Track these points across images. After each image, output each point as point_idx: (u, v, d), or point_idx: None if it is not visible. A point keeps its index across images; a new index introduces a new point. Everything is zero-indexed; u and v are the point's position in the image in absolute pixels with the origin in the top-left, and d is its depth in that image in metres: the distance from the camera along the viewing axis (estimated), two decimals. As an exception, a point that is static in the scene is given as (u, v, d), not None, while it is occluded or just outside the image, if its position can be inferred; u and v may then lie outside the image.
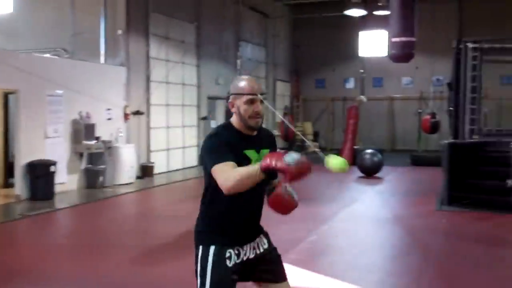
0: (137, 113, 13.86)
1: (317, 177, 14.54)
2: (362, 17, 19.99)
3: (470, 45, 10.68)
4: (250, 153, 2.83)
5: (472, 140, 10.75)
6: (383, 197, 11.41)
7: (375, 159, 14.07)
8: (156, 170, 14.39)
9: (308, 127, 23.00)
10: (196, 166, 16.53)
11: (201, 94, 17.07)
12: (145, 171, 13.93)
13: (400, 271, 6.18)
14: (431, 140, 19.91)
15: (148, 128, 14.47)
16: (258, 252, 2.95)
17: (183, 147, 16.19)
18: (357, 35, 23.43)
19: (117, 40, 13.23)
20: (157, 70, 14.74)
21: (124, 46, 13.38)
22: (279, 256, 3.05)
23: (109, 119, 12.79)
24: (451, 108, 11.27)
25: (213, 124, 17.69)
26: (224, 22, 18.48)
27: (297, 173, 2.53)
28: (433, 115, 16.81)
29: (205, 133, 17.24)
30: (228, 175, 2.63)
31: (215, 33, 17.87)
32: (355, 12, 19.33)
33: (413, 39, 7.92)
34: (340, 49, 23.45)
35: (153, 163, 14.33)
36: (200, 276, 2.86)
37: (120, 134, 13.02)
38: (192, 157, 16.57)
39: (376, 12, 19.35)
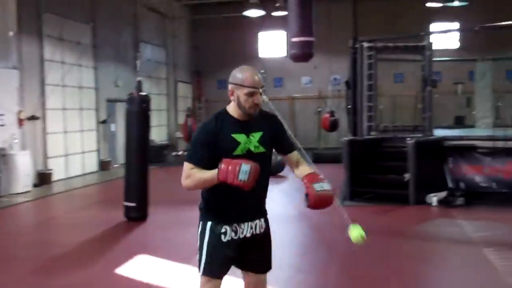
0: (32, 118, 13.22)
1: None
2: (261, 17, 20.19)
3: (365, 44, 11.04)
4: (239, 136, 3.03)
5: (370, 137, 11.12)
6: (287, 194, 11.58)
7: (278, 158, 14.19)
8: (54, 177, 13.80)
9: (211, 128, 22.90)
10: (96, 171, 16.03)
11: (100, 97, 16.57)
12: (43, 178, 13.32)
13: (308, 267, 6.28)
14: (331, 138, 20.47)
15: (45, 133, 13.85)
16: (254, 232, 3.12)
17: (83, 152, 15.64)
18: (257, 35, 23.72)
19: (9, 42, 12.55)
20: (53, 73, 14.13)
21: (16, 48, 12.72)
22: (269, 246, 3.23)
23: (2, 125, 12.13)
24: (349, 106, 11.61)
25: (113, 128, 17.24)
26: (122, 23, 18.05)
27: (250, 184, 2.80)
28: (332, 113, 17.25)
29: (105, 137, 16.77)
30: (188, 174, 3.01)
31: (113, 34, 17.41)
32: (254, 13, 19.51)
33: (312, 39, 8.08)
34: (240, 50, 23.55)
35: (51, 170, 13.73)
36: (199, 250, 3.12)
37: (15, 141, 12.37)
38: (92, 162, 16.05)
39: (274, 13, 19.63)
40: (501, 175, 9.96)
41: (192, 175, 3.01)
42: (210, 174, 2.93)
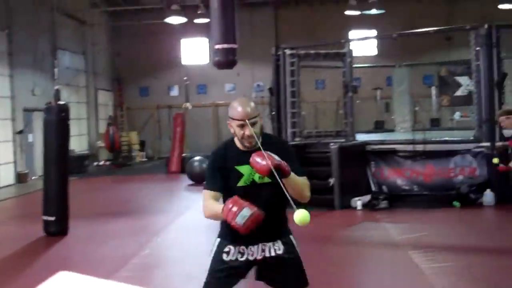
0: None
1: (146, 187, 14.19)
2: (183, 24, 20.00)
3: (287, 51, 11.11)
4: (243, 168, 3.09)
5: (294, 143, 11.18)
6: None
7: (204, 165, 14.08)
8: (-33, 192, 13.08)
9: (134, 136, 22.50)
10: (13, 184, 15.32)
11: (16, 106, 15.87)
12: (-46, 193, 12.59)
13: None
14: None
15: (-44, 146, 13.11)
16: (267, 255, 3.17)
17: (-2, 165, 14.92)
18: (179, 42, 23.50)
19: None
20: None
21: None
22: (295, 263, 3.23)
23: None
24: (273, 113, 11.64)
25: (31, 138, 16.55)
26: (39, 30, 17.38)
27: (246, 229, 2.81)
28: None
29: (22, 148, 16.06)
30: (205, 205, 3.12)
31: (29, 41, 16.73)
32: (176, 20, 19.28)
33: (235, 46, 8.02)
34: (162, 57, 23.28)
35: (-37, 184, 13.00)
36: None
37: None
38: (8, 175, 15.32)
39: (196, 20, 19.50)
40: (422, 178, 10.25)
41: (207, 206, 3.11)
42: (219, 210, 2.97)
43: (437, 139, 10.54)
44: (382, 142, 10.89)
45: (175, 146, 16.99)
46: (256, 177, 3.09)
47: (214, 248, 3.27)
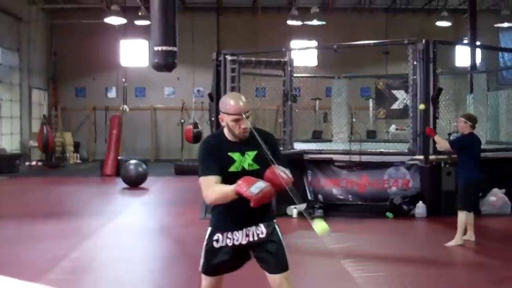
0: None
1: (79, 189, 13.81)
2: (123, 25, 19.66)
3: (229, 57, 11.05)
4: (234, 154, 3.36)
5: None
6: (148, 208, 11.24)
7: (140, 169, 13.86)
8: None
9: (68, 137, 21.88)
10: None
11: None
12: None
13: (169, 284, 6.05)
14: (194, 150, 20.34)
15: None
16: (251, 239, 3.41)
17: None
18: (118, 43, 23.07)
19: None
20: None
21: None
22: (276, 248, 3.42)
23: None
24: (212, 118, 11.55)
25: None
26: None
27: (259, 201, 3.09)
28: (195, 125, 17.17)
29: None
30: (208, 192, 3.31)
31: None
32: (115, 20, 18.93)
33: (175, 48, 7.92)
34: (101, 58, 22.76)
35: None
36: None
37: None
38: None
39: (137, 22, 19.22)
40: (356, 188, 10.38)
41: (213, 187, 3.30)
42: (230, 188, 3.21)
43: (373, 150, 10.71)
44: (319, 152, 10.97)
45: (110, 149, 16.63)
46: (246, 164, 3.37)
47: (206, 237, 3.49)
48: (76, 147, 22.30)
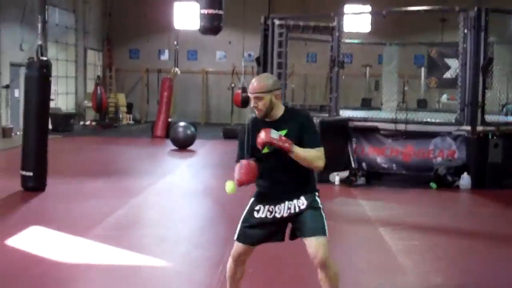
0: None
1: (130, 150, 14.17)
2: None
3: (276, 21, 11.06)
4: None
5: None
6: (195, 169, 11.51)
7: (188, 132, 14.12)
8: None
9: (122, 98, 22.38)
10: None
11: (3, 60, 15.74)
12: None
13: (207, 242, 6.25)
14: (244, 114, 20.50)
15: None
16: (292, 211, 3.51)
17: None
18: (172, 6, 23.24)
19: None
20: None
21: None
22: (313, 214, 3.49)
23: None
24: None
25: (17, 93, 16.45)
26: (29, -16, 17.13)
27: (240, 181, 3.41)
28: (244, 89, 17.24)
29: (7, 102, 15.98)
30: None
31: (18, -5, 16.52)
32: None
33: (220, 12, 7.99)
34: (155, 20, 22.98)
35: None
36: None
37: None
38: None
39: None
40: (401, 157, 10.33)
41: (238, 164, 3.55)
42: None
43: (419, 120, 10.59)
44: (365, 119, 10.93)
45: (161, 111, 16.96)
46: None
47: (247, 207, 3.63)
48: (129, 108, 22.79)
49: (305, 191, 3.54)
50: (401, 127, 10.32)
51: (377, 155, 10.51)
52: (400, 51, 16.90)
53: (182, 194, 8.93)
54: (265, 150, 3.41)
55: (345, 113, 11.70)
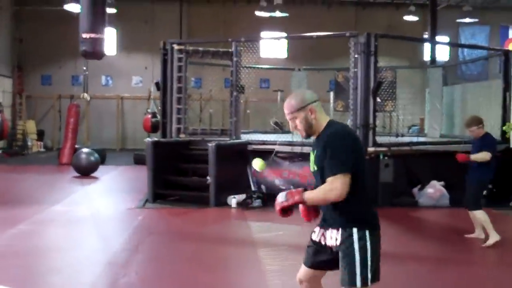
0: None
1: (29, 178, 13.65)
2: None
3: (175, 46, 11.04)
4: (311, 154, 3.33)
5: (178, 139, 11.13)
6: (89, 197, 11.16)
7: (92, 158, 13.80)
8: None
9: (31, 125, 21.68)
10: None
11: None
12: None
13: (75, 273, 6.02)
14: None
15: None
16: (323, 242, 3.34)
17: None
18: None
19: None
20: None
21: None
22: (344, 261, 3.19)
23: None
24: (159, 108, 11.54)
25: None
26: None
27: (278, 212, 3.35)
28: (153, 114, 17.10)
29: None
30: None
31: None
32: (74, 8, 18.62)
33: (102, 36, 7.86)
34: (67, 45, 22.38)
35: None
36: None
37: None
38: None
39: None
40: (298, 179, 10.42)
41: None
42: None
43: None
44: (263, 143, 10.99)
45: (67, 138, 16.51)
46: (312, 164, 3.32)
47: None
48: (40, 135, 22.12)
49: (343, 222, 3.22)
50: (298, 149, 10.44)
51: (275, 177, 10.58)
52: (315, 76, 17.23)
53: (66, 223, 8.55)
54: (311, 168, 3.35)
55: (258, 137, 11.66)
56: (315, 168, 3.26)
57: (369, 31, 10.31)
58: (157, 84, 11.50)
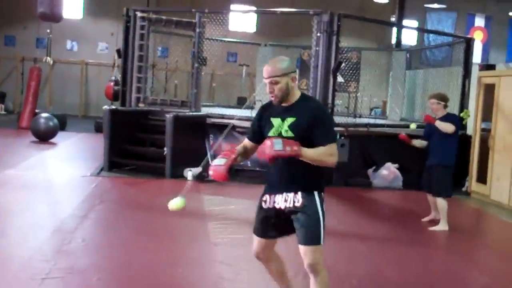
0: None
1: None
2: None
3: (138, 14, 10.91)
4: (275, 120, 3.42)
5: (137, 109, 11.07)
6: (44, 162, 11.05)
7: (50, 123, 13.61)
8: None
9: (-9, 87, 21.27)
10: None
11: None
12: None
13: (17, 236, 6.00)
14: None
15: None
16: (288, 205, 3.41)
17: None
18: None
19: None
20: None
21: None
22: (307, 220, 3.37)
23: None
24: (119, 76, 11.44)
25: None
26: None
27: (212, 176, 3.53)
28: (116, 82, 16.89)
29: None
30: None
31: None
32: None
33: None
34: (32, 6, 21.83)
35: None
36: None
37: None
38: None
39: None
40: (255, 154, 10.46)
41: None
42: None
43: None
44: (222, 116, 11.00)
45: (28, 101, 16.25)
46: (283, 130, 3.38)
47: (259, 198, 3.59)
48: (1, 97, 21.70)
49: (304, 187, 3.42)
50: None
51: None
52: (282, 52, 17.15)
53: (15, 187, 8.43)
54: (272, 134, 3.41)
55: (220, 111, 11.62)
56: (288, 134, 3.36)
57: (339, 11, 10.37)
58: (118, 51, 11.38)
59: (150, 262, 5.27)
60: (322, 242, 3.40)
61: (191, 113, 10.79)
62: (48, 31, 18.54)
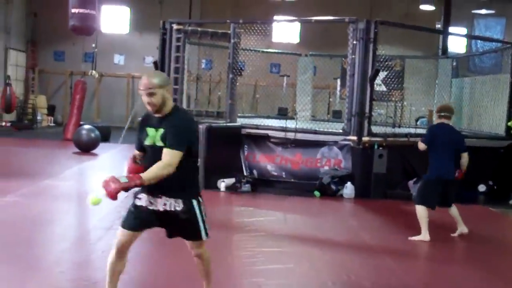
0: None
1: (31, 152, 13.66)
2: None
3: (174, 26, 10.95)
4: (150, 130, 3.68)
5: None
6: (85, 173, 11.18)
7: (92, 135, 13.81)
8: None
9: (41, 100, 21.83)
10: None
11: None
12: None
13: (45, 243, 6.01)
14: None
15: None
16: (168, 208, 3.69)
17: None
18: (100, 9, 22.81)
19: None
20: None
21: None
22: (188, 222, 3.73)
23: None
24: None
25: None
26: None
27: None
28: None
29: None
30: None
31: None
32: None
33: (93, 12, 7.78)
34: (81, 22, 22.55)
35: None
36: None
37: None
38: None
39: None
40: (290, 165, 10.34)
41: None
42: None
43: (308, 128, 10.62)
44: (256, 127, 10.88)
45: (72, 113, 16.58)
46: (156, 140, 3.63)
47: (134, 193, 3.78)
48: (51, 110, 22.25)
49: (182, 194, 3.70)
50: (291, 135, 10.33)
51: (268, 162, 10.51)
52: (325, 62, 17.03)
53: (48, 197, 8.52)
54: (147, 142, 3.66)
55: (261, 122, 11.47)
56: (160, 144, 3.60)
57: (383, 18, 10.12)
58: (155, 63, 11.45)
59: (168, 275, 5.20)
60: (205, 237, 3.85)
61: (225, 124, 10.70)
62: (94, 45, 18.98)
